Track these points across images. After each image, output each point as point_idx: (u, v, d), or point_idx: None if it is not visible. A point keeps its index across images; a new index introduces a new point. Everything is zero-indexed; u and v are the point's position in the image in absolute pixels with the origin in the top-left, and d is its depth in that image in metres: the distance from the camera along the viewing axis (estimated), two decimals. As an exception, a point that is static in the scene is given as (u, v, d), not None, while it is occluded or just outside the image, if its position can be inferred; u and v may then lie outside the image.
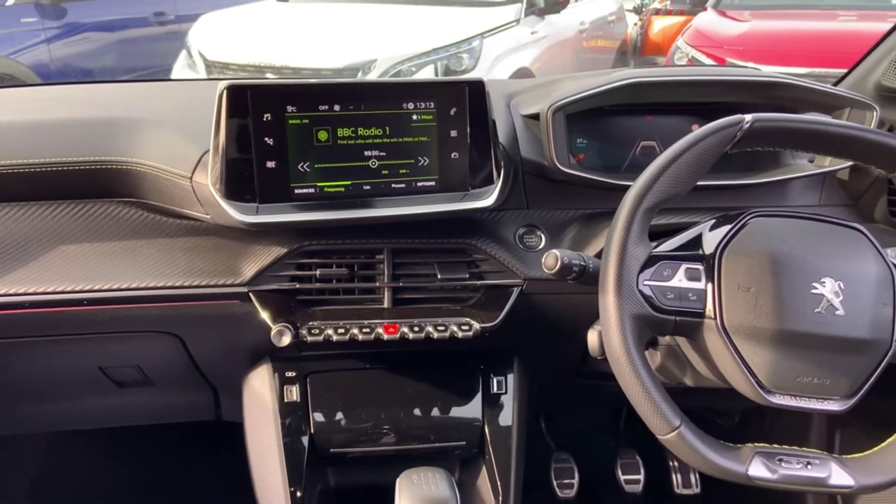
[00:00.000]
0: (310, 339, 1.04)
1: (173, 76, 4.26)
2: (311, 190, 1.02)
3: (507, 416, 1.19)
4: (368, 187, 1.04)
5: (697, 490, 1.72)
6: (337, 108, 1.02)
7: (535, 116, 1.16)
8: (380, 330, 1.05)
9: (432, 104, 1.04)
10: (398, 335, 1.05)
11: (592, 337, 0.93)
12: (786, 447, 0.83)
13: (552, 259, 0.89)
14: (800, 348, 0.81)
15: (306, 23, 4.30)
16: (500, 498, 1.14)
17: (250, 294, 1.07)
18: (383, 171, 1.04)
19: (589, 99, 1.11)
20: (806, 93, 1.15)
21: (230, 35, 4.18)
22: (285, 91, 1.00)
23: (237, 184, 0.99)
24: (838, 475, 0.81)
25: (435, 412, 1.18)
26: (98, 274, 1.07)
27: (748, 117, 0.83)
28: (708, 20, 5.04)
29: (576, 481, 1.71)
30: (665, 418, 0.80)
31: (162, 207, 1.10)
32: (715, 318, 0.83)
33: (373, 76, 3.66)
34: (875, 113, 1.14)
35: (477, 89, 1.05)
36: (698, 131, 0.85)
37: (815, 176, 1.19)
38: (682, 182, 0.85)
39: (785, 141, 0.89)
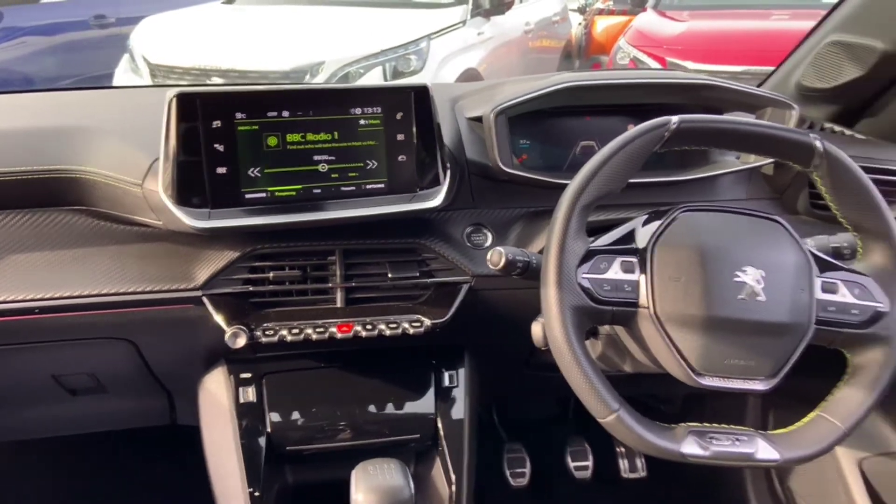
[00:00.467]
0: (264, 340, 1.06)
1: (115, 80, 4.16)
2: (263, 194, 1.05)
3: (459, 409, 1.23)
4: (319, 191, 1.07)
5: (644, 474, 1.79)
6: (286, 114, 1.04)
7: (479, 119, 1.20)
8: (333, 329, 1.08)
9: (379, 109, 1.08)
10: (351, 334, 1.08)
11: (536, 329, 0.97)
12: (716, 426, 0.88)
13: (497, 256, 0.94)
14: (726, 333, 0.87)
15: (253, 25, 4.26)
16: (454, 488, 1.18)
17: (204, 298, 1.08)
18: (333, 175, 1.07)
19: (529, 102, 1.16)
20: (731, 94, 1.22)
21: (174, 38, 4.11)
22: (234, 98, 1.02)
23: (188, 190, 1.01)
24: (765, 450, 0.87)
25: (389, 407, 1.21)
26: (49, 282, 1.07)
27: (675, 119, 0.89)
28: (648, 21, 5.16)
29: (527, 470, 1.76)
30: (605, 403, 0.84)
31: (113, 215, 1.11)
32: (649, 307, 0.88)
33: (321, 78, 3.65)
34: (794, 112, 1.21)
35: (422, 94, 1.09)
36: (629, 133, 0.90)
37: (741, 172, 1.26)
38: (616, 180, 0.90)
39: (709, 140, 0.94)
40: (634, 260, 0.90)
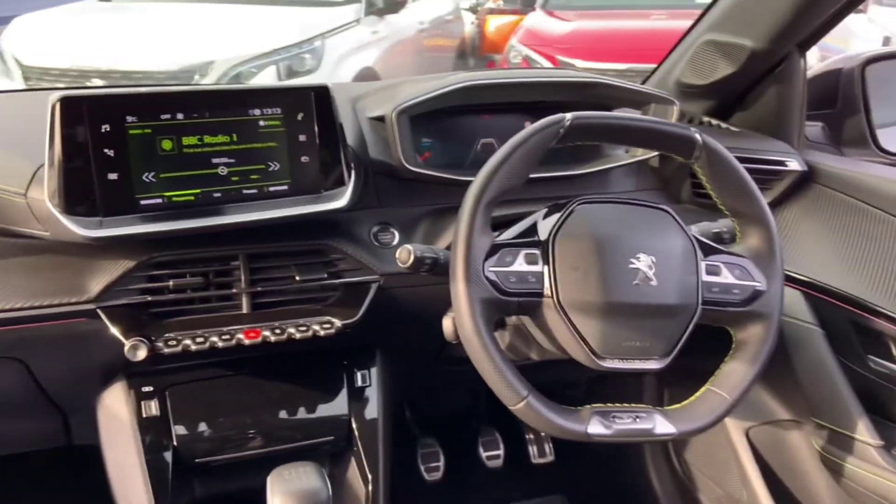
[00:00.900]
0: (167, 350, 1.02)
1: (-17, 84, 3.86)
2: (159, 200, 1.01)
3: (372, 409, 1.23)
4: (219, 195, 1.04)
5: (552, 458, 1.86)
6: (180, 116, 1.01)
7: (381, 119, 1.20)
8: (240, 335, 1.06)
9: (279, 110, 1.06)
10: (260, 339, 1.06)
11: (447, 323, 1.00)
12: (618, 405, 0.93)
13: (405, 253, 0.96)
14: (623, 317, 0.92)
15: (135, 23, 4.06)
16: (370, 487, 1.18)
17: (98, 310, 1.03)
18: (233, 178, 1.05)
19: (430, 101, 1.18)
20: (618, 91, 1.29)
21: (48, 38, 3.85)
22: (124, 100, 0.98)
23: (76, 198, 0.96)
24: (662, 425, 0.92)
25: (301, 411, 1.20)
26: None
27: (569, 116, 0.93)
28: (538, 20, 5.31)
29: (441, 464, 1.78)
30: (514, 390, 0.88)
31: None
32: (552, 296, 0.91)
33: (210, 78, 3.53)
34: (675, 107, 1.29)
35: (322, 94, 1.08)
36: (526, 130, 0.93)
37: (630, 165, 1.33)
38: (516, 176, 0.93)
39: (601, 135, 1.00)
40: (537, 252, 0.94)
